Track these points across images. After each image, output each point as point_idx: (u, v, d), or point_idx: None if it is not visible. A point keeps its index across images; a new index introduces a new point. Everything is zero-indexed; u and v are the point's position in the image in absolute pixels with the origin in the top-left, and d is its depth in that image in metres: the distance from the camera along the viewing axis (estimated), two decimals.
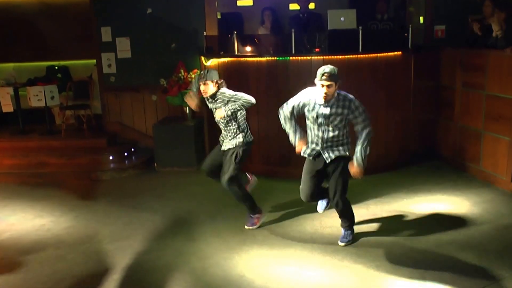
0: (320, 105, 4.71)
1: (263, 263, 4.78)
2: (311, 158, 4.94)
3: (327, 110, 4.68)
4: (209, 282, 4.50)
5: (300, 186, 5.11)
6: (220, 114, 5.32)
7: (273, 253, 4.97)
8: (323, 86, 4.57)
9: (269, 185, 6.99)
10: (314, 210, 5.47)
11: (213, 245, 5.21)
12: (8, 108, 8.71)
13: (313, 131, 4.84)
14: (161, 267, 4.78)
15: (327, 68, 4.58)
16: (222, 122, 5.41)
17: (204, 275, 4.62)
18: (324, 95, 4.60)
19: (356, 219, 5.62)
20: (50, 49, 10.37)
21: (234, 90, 5.34)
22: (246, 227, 5.55)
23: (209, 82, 5.30)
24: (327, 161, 4.85)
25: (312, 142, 4.90)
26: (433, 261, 4.65)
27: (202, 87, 5.34)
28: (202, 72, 5.43)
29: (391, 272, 4.51)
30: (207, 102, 5.51)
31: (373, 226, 5.41)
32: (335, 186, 4.89)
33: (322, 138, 4.80)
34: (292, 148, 4.77)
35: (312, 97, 4.76)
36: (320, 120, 4.73)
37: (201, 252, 5.08)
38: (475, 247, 4.91)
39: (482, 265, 4.55)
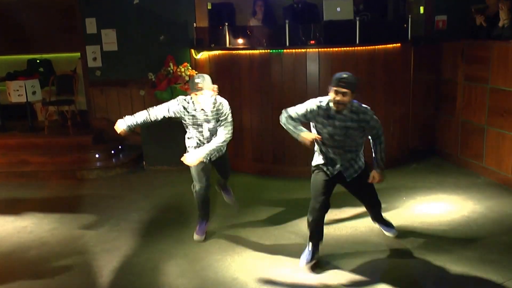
0: (332, 116, 4.50)
1: (257, 265, 4.79)
2: (327, 174, 4.71)
3: (341, 124, 4.50)
4: (201, 285, 4.50)
5: (311, 205, 4.69)
6: None
7: (267, 255, 4.97)
8: (337, 93, 4.37)
9: (262, 184, 7.00)
10: None
11: (204, 247, 5.21)
12: None
13: (327, 148, 4.65)
14: (150, 270, 4.77)
15: (345, 73, 4.41)
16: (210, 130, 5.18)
17: (195, 278, 4.62)
18: (337, 102, 4.39)
19: (354, 219, 5.66)
20: (31, 41, 10.31)
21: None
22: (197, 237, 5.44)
23: (206, 90, 4.96)
24: (348, 180, 4.75)
25: (327, 161, 4.71)
26: (435, 263, 4.67)
27: (198, 97, 4.96)
28: (195, 78, 4.98)
29: (390, 273, 4.52)
30: (188, 114, 5.15)
31: (372, 226, 5.42)
32: (371, 195, 4.99)
33: (340, 156, 4.64)
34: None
35: (322, 105, 4.54)
36: (335, 135, 4.55)
37: (192, 254, 5.07)
38: (479, 248, 4.93)
39: (485, 267, 4.56)
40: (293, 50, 6.96)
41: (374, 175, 4.73)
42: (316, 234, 4.74)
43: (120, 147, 8.45)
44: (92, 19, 8.45)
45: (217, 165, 5.48)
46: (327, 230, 5.39)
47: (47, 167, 7.86)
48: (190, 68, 7.88)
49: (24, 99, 8.52)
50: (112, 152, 8.24)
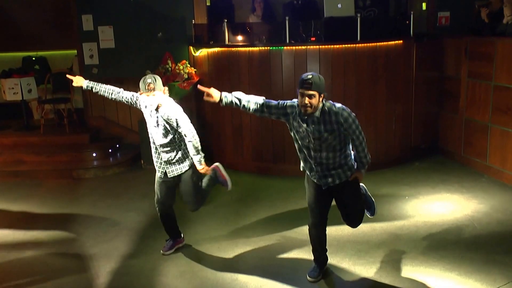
0: (304, 120, 4.17)
1: (257, 265, 4.78)
2: (311, 178, 4.41)
3: (312, 128, 4.14)
4: (200, 285, 4.50)
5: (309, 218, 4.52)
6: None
7: (267, 255, 4.97)
8: (303, 95, 4.05)
9: (262, 183, 7.00)
10: None
11: (203, 247, 5.21)
12: None
13: (304, 154, 4.35)
14: (149, 271, 4.77)
15: (310, 74, 4.08)
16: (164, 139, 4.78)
17: (194, 278, 4.62)
18: (304, 106, 4.06)
19: None
20: (26, 38, 10.28)
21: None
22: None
23: (158, 91, 4.60)
24: (324, 188, 4.35)
25: (307, 167, 4.42)
26: (438, 263, 4.67)
27: (149, 99, 4.62)
28: (146, 78, 4.61)
29: (392, 274, 4.52)
30: (144, 107, 4.84)
31: (374, 226, 5.42)
32: (353, 213, 4.54)
33: (315, 161, 4.28)
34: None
35: (296, 107, 4.23)
36: (307, 140, 4.22)
37: (191, 254, 5.07)
38: (482, 247, 4.93)
39: (489, 267, 4.55)
40: (293, 47, 6.96)
41: (355, 174, 4.37)
42: (316, 249, 4.60)
43: (117, 146, 8.45)
44: (88, 15, 8.44)
45: (180, 188, 5.10)
46: (328, 231, 5.39)
47: (43, 166, 7.85)
48: (188, 65, 7.87)
49: (19, 97, 8.53)
50: (109, 151, 8.24)
